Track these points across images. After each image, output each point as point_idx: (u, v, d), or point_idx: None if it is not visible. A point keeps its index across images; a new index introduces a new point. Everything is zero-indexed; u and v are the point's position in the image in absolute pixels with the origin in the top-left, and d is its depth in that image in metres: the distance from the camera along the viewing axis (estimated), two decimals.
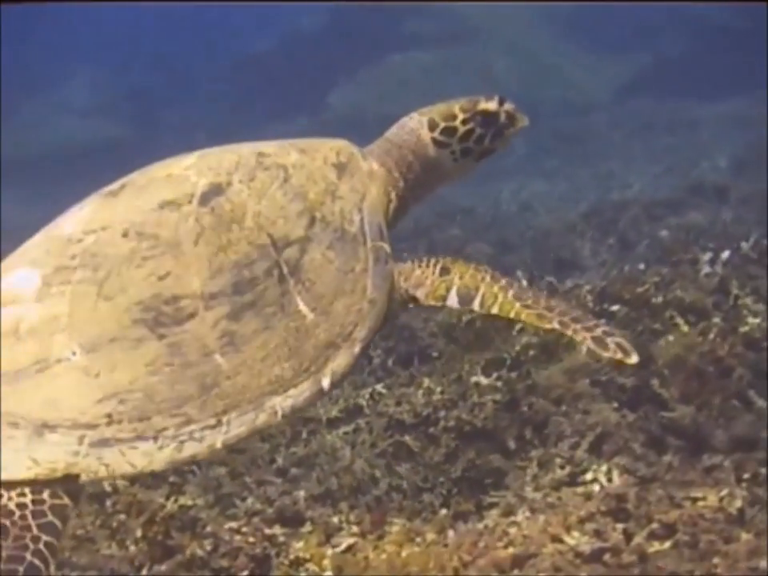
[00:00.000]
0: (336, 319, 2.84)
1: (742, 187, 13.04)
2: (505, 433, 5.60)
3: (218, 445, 2.67)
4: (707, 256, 7.12)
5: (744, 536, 4.36)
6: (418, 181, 3.26)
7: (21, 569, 2.45)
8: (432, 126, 3.23)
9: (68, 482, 2.60)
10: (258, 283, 2.77)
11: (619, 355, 2.84)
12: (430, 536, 4.68)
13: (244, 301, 2.74)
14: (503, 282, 3.03)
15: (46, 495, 2.57)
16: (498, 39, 26.04)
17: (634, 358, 2.84)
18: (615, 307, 6.78)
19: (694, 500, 4.60)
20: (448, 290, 3.02)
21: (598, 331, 2.89)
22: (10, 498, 2.56)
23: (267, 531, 4.76)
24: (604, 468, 5.02)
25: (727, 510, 4.51)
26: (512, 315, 2.98)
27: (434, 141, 3.23)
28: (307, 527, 4.86)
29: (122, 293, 2.69)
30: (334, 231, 2.93)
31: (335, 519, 4.91)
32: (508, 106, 3.26)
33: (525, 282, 2.86)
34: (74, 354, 2.63)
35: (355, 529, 4.80)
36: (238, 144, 3.14)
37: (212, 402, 2.66)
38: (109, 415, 2.61)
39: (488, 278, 3.02)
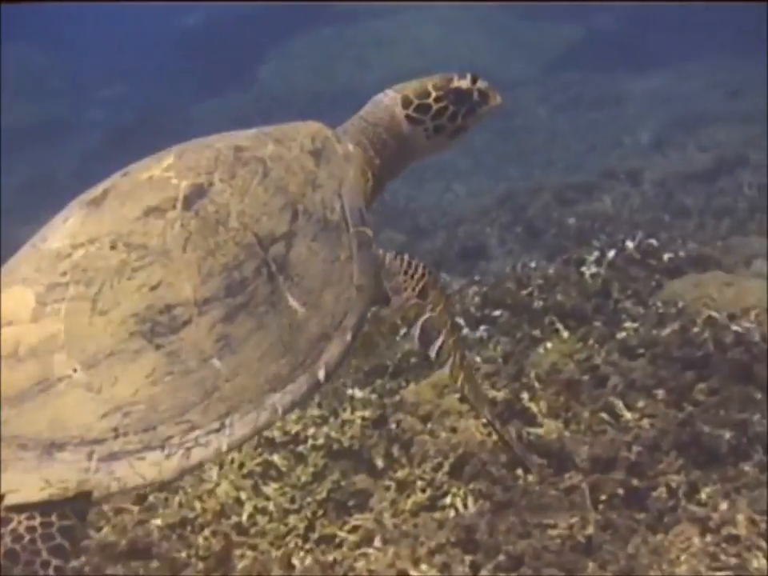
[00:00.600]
0: (326, 310, 2.91)
1: (657, 168, 13.03)
2: (372, 451, 5.48)
3: (224, 448, 2.72)
4: (594, 256, 7.01)
5: (590, 565, 4.30)
6: (393, 158, 3.34)
7: None
8: (406, 104, 3.32)
9: (80, 500, 2.62)
10: (248, 284, 2.81)
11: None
12: (276, 572, 4.55)
13: (236, 303, 2.78)
14: (456, 335, 3.24)
15: (54, 517, 2.57)
16: (429, 11, 25.77)
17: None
18: (497, 312, 6.72)
19: (545, 527, 4.50)
20: (417, 317, 3.18)
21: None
22: (19, 522, 2.56)
23: (110, 571, 4.59)
24: (462, 492, 4.91)
25: (576, 538, 4.42)
26: (456, 381, 3.23)
27: (408, 118, 3.32)
28: (154, 563, 4.69)
29: (116, 306, 2.71)
30: (317, 222, 2.98)
31: (184, 554, 4.76)
32: (481, 84, 3.34)
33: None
34: (74, 371, 2.64)
35: (201, 566, 4.66)
36: (214, 136, 3.16)
37: (214, 406, 2.71)
38: (115, 429, 2.63)
39: (448, 325, 3.20)
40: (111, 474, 2.61)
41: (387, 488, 5.24)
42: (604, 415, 5.43)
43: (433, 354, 3.17)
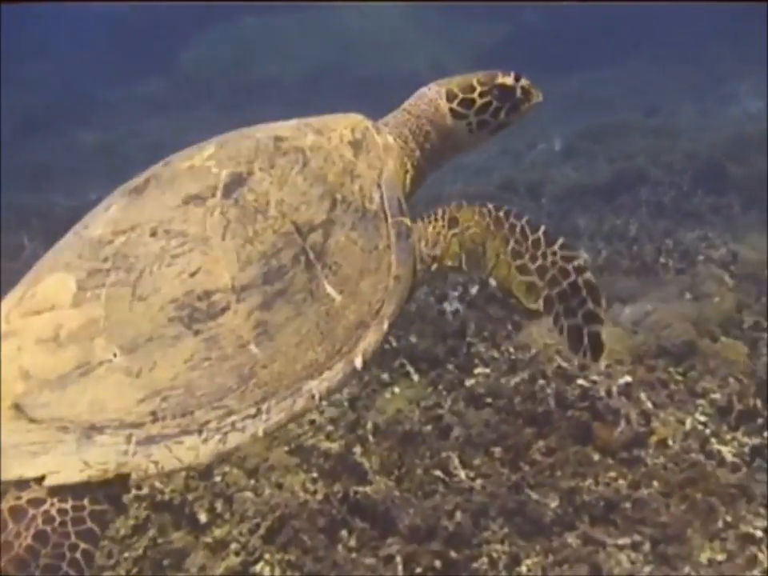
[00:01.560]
0: (363, 299, 2.89)
1: (559, 181, 12.86)
2: (195, 505, 5.21)
3: (260, 433, 2.71)
4: (458, 291, 6.79)
5: None
6: (435, 150, 3.34)
7: None
8: (450, 97, 3.31)
9: (119, 482, 2.65)
10: (286, 271, 2.81)
11: (587, 359, 3.04)
12: None
13: (274, 290, 2.78)
14: (506, 228, 3.12)
15: (86, 501, 2.61)
16: (354, 6, 25.41)
17: (602, 364, 3.16)
18: None
19: None
20: (461, 245, 3.12)
21: (579, 317, 3.02)
22: (52, 504, 2.58)
23: None
24: (274, 559, 4.67)
25: None
26: (507, 285, 3.10)
27: (452, 111, 3.31)
28: None
29: (156, 292, 2.73)
30: (356, 211, 2.98)
31: None
32: (524, 82, 3.32)
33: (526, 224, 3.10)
34: (114, 355, 2.68)
35: None
36: (253, 127, 3.18)
37: (251, 392, 2.71)
38: (153, 413, 2.65)
39: (492, 225, 3.12)
40: (149, 457, 2.63)
41: (205, 546, 4.97)
42: (438, 473, 5.22)
43: (485, 273, 3.13)
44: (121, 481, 2.65)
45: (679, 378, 5.87)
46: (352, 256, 2.92)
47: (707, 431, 5.33)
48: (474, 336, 6.41)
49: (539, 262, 3.08)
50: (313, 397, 2.79)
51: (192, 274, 2.76)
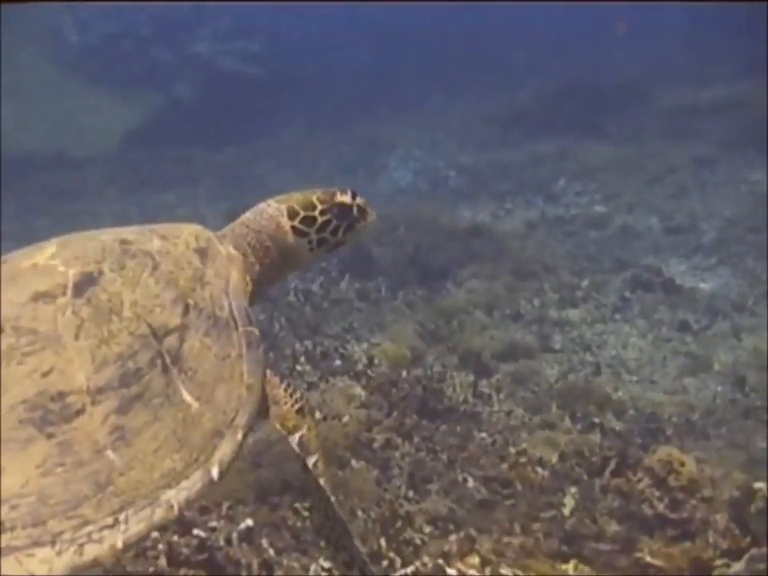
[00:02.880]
0: (219, 407, 2.83)
1: None
2: None
3: (119, 545, 2.56)
4: None
5: None
6: (274, 266, 3.33)
7: None
8: (291, 215, 3.33)
9: None
10: (143, 374, 2.72)
11: None
12: None
13: (131, 393, 2.68)
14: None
15: None
16: None
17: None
18: None
19: None
20: (296, 428, 3.11)
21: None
22: None
23: None
24: None
25: None
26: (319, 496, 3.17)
27: (294, 229, 3.33)
28: None
29: (5, 392, 2.56)
30: (208, 318, 2.93)
31: None
32: (360, 200, 3.39)
33: None
34: None
35: None
36: (94, 231, 3.09)
37: (107, 501, 2.58)
38: (1, 523, 2.45)
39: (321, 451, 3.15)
40: None
41: None
42: None
43: (311, 465, 3.11)
44: None
45: (306, 514, 5.52)
46: (207, 363, 2.86)
47: None
48: None
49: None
50: (171, 507, 2.66)
51: (44, 374, 2.60)
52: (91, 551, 2.54)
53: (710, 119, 18.74)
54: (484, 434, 6.69)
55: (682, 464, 5.75)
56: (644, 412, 8.62)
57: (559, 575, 4.81)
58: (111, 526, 2.57)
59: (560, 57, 24.67)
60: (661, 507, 5.40)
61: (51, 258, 2.86)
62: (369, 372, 7.60)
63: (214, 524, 5.25)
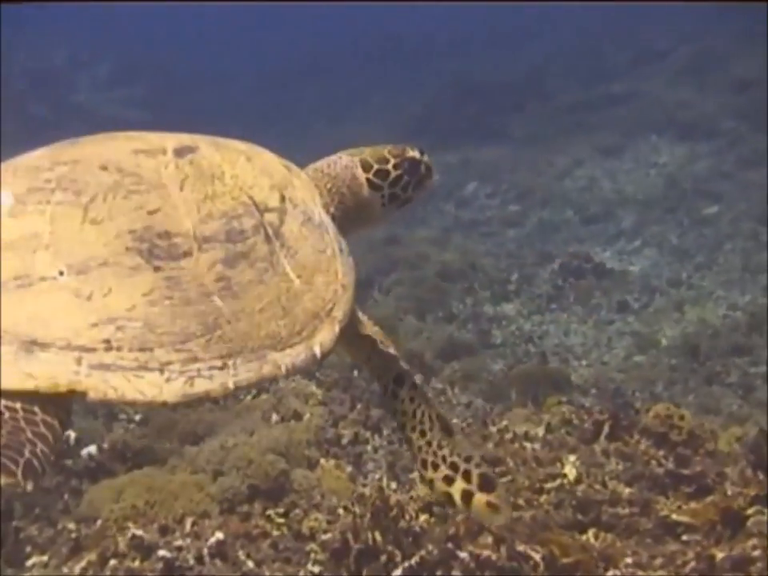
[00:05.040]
0: (318, 292, 2.76)
1: None
2: None
3: (230, 385, 2.50)
4: None
5: None
6: (346, 216, 3.16)
7: (20, 461, 2.17)
8: (366, 167, 3.23)
9: (73, 399, 2.37)
10: (247, 236, 2.65)
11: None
12: None
13: (236, 250, 2.61)
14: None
15: (37, 408, 2.31)
16: None
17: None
18: None
19: None
20: (378, 345, 3.02)
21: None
22: None
23: None
24: None
25: None
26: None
27: (369, 182, 3.22)
28: None
29: (111, 219, 2.49)
30: (302, 213, 2.86)
31: None
32: (426, 158, 3.30)
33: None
34: (60, 273, 2.41)
35: None
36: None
37: (215, 343, 2.50)
38: (107, 341, 2.39)
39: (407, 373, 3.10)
40: (106, 382, 2.35)
41: None
42: None
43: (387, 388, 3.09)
44: (76, 397, 2.34)
45: (281, 520, 4.88)
46: (305, 248, 2.77)
47: None
48: (23, 517, 5.02)
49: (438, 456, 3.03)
50: (279, 366, 2.59)
51: (150, 213, 2.52)
52: (202, 384, 2.46)
53: (607, 111, 18.72)
54: (455, 420, 6.13)
55: (682, 417, 5.30)
56: (607, 389, 8.21)
57: (584, 545, 4.26)
58: (220, 368, 2.50)
59: (452, 59, 24.47)
60: (670, 464, 4.91)
61: (142, 134, 2.78)
62: (318, 375, 6.98)
63: (179, 543, 4.57)
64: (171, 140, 2.76)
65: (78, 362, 2.36)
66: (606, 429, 5.43)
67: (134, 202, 2.53)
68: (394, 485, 5.14)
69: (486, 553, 4.17)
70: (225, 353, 2.52)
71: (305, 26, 29.84)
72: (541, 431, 5.64)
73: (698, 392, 8.34)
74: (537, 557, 4.16)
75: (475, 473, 2.99)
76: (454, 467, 3.02)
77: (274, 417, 5.91)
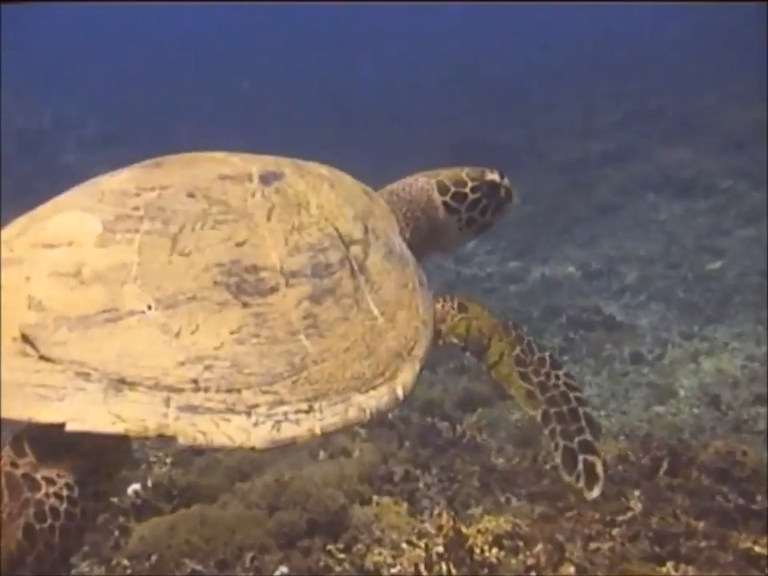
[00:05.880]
0: (400, 330, 2.71)
1: None
2: None
3: (317, 431, 2.44)
4: None
5: None
6: (421, 240, 3.13)
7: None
8: (442, 190, 3.19)
9: (123, 448, 2.41)
10: (333, 271, 2.61)
11: (580, 484, 2.76)
12: None
13: (323, 285, 2.57)
14: (513, 335, 2.99)
15: (77, 491, 2.30)
16: None
17: (594, 492, 2.75)
18: None
19: None
20: (467, 329, 2.97)
21: (576, 441, 2.82)
22: (47, 495, 2.28)
23: None
24: None
25: None
26: (506, 383, 2.95)
27: (446, 205, 3.18)
28: None
29: (199, 252, 2.45)
30: (384, 245, 2.82)
31: None
32: (506, 182, 3.25)
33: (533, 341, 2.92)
34: (148, 307, 2.37)
35: None
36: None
37: (302, 385, 2.45)
38: (194, 381, 2.34)
39: (500, 327, 3.00)
40: (194, 426, 2.30)
41: None
42: None
43: (486, 358, 2.97)
44: (167, 441, 2.32)
45: (342, 556, 4.74)
46: (388, 283, 2.73)
47: None
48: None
49: (542, 377, 2.92)
50: (363, 410, 2.53)
51: (239, 245, 2.49)
52: (289, 430, 2.40)
53: (602, 169, 18.87)
54: (501, 460, 6.02)
55: (744, 453, 5.21)
56: (637, 435, 8.09)
57: None
58: (306, 411, 2.43)
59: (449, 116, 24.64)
60: (740, 500, 4.81)
61: (228, 156, 2.76)
62: None
63: None
64: (256, 164, 2.73)
65: (167, 403, 2.32)
66: (665, 465, 5.35)
67: (222, 232, 2.51)
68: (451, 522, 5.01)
69: None
70: (311, 395, 2.47)
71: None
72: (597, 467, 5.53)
73: (727, 439, 8.24)
74: None
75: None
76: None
77: (322, 454, 5.79)
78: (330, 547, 4.78)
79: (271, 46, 32.68)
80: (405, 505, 5.20)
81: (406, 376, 2.66)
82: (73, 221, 2.49)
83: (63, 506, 2.29)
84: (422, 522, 5.00)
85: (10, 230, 2.55)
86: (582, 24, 31.33)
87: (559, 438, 2.83)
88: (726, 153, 17.62)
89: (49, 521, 2.26)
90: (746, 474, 5.11)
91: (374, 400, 2.56)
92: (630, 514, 4.71)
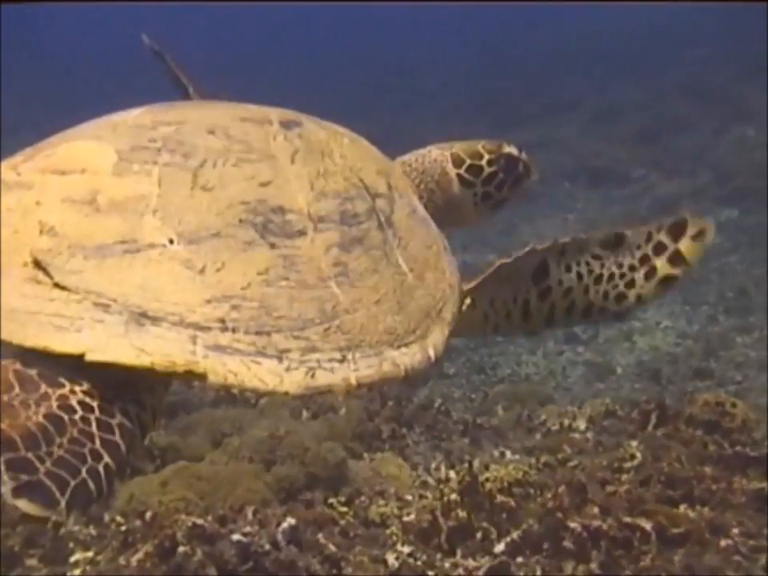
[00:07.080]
0: (429, 289, 2.60)
1: None
2: None
3: (353, 381, 2.31)
4: None
5: None
6: (434, 215, 2.92)
7: (72, 483, 1.85)
8: (457, 163, 3.08)
9: (162, 387, 2.24)
10: (361, 221, 2.49)
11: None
12: None
13: (351, 234, 2.45)
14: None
15: (116, 408, 2.06)
16: None
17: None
18: None
19: None
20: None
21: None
22: (72, 392, 2.01)
23: None
24: None
25: None
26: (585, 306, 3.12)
27: (460, 178, 3.07)
28: None
29: (222, 188, 2.32)
30: (408, 204, 2.72)
31: None
32: (525, 156, 3.14)
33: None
34: (170, 241, 2.23)
35: None
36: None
37: (334, 333, 2.32)
38: (221, 320, 2.19)
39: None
40: (224, 365, 2.14)
41: None
42: None
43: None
44: (193, 379, 2.13)
45: (344, 509, 4.60)
46: (415, 241, 2.61)
47: (419, 563, 4.09)
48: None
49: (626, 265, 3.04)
50: (398, 366, 2.40)
51: (263, 185, 2.36)
52: (324, 378, 2.27)
53: None
54: (484, 418, 5.99)
55: (734, 405, 5.27)
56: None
57: (689, 518, 4.14)
58: (340, 361, 2.31)
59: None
60: (738, 447, 4.85)
61: (242, 103, 2.65)
62: None
63: (247, 529, 4.24)
64: (274, 112, 2.61)
65: (193, 340, 2.16)
66: (654, 418, 5.36)
67: (246, 171, 2.37)
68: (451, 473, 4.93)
69: (595, 523, 4.00)
70: (344, 345, 2.34)
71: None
72: (582, 423, 5.54)
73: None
74: (647, 527, 4.01)
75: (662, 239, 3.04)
76: (645, 258, 3.08)
77: (305, 414, 5.64)
78: (331, 500, 4.64)
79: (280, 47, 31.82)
80: (400, 459, 5.09)
81: (437, 337, 2.55)
82: (85, 149, 2.34)
83: (96, 413, 2.04)
84: (420, 475, 4.91)
85: (14, 158, 2.39)
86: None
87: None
88: (636, 144, 18.03)
89: (80, 412, 2.01)
90: (736, 424, 5.16)
91: (407, 357, 2.44)
92: (636, 461, 4.70)
